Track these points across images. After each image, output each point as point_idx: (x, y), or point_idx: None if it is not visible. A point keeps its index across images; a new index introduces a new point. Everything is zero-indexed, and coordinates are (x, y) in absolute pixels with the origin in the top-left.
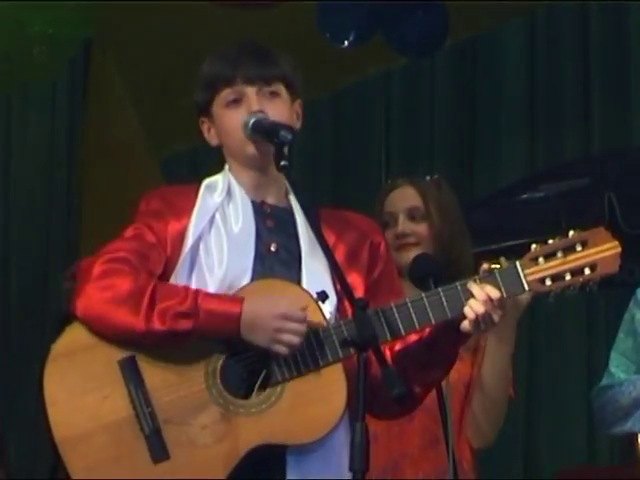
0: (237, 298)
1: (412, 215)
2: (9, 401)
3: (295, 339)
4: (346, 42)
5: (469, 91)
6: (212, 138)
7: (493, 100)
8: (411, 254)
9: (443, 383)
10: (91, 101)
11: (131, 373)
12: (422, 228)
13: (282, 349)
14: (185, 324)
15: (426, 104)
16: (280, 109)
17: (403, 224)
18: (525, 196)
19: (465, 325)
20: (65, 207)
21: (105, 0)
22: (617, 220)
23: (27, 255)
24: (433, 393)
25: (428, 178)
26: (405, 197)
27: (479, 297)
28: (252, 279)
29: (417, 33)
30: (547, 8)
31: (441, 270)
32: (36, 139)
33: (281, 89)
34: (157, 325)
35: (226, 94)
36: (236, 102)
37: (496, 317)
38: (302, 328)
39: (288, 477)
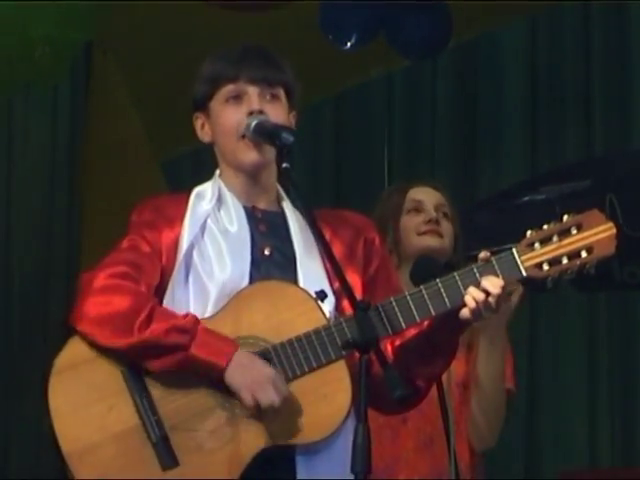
0: (232, 341)
1: (441, 211)
2: (11, 404)
3: (268, 399)
4: (348, 44)
5: (471, 92)
6: (205, 135)
7: (494, 101)
8: (434, 241)
9: (444, 381)
10: (92, 103)
11: (135, 382)
12: (449, 227)
13: (250, 400)
14: (179, 338)
15: (428, 106)
16: (279, 112)
17: (436, 214)
18: (526, 198)
19: (465, 312)
20: (67, 208)
21: (106, 1)
22: (618, 222)
23: (29, 256)
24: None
25: None
26: (433, 194)
27: (493, 291)
28: (249, 284)
29: (420, 35)
30: (548, 9)
31: (443, 271)
32: (37, 141)
33: (282, 94)
34: (148, 335)
35: (228, 90)
36: (236, 99)
37: (496, 305)
38: (277, 400)
39: (298, 477)
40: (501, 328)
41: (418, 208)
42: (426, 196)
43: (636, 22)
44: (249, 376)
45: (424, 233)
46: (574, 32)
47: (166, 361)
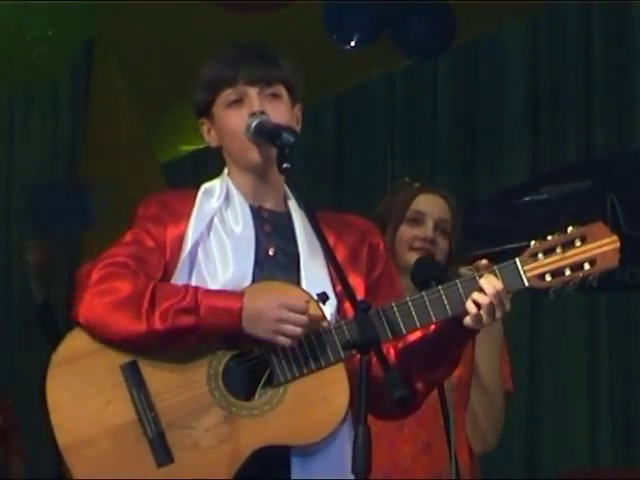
0: (237, 293)
1: (441, 227)
2: (11, 404)
3: (297, 330)
4: (353, 44)
5: (471, 92)
6: (212, 139)
7: (495, 101)
8: None
9: (445, 383)
10: (93, 103)
11: (133, 377)
12: (445, 244)
13: (284, 340)
14: (187, 320)
15: (428, 106)
16: (281, 111)
17: (434, 232)
18: (527, 198)
19: (467, 320)
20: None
21: (107, 0)
22: (619, 222)
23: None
24: None
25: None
26: (438, 205)
27: (488, 290)
28: (252, 284)
29: (424, 35)
30: (549, 9)
31: (444, 273)
32: (38, 141)
33: (282, 91)
34: (159, 324)
35: (227, 94)
36: (237, 103)
37: (498, 311)
38: (304, 319)
39: (292, 478)
40: (496, 329)
41: (418, 219)
42: (430, 208)
43: (637, 22)
44: (267, 319)
45: (416, 249)
46: (575, 32)
47: (183, 342)
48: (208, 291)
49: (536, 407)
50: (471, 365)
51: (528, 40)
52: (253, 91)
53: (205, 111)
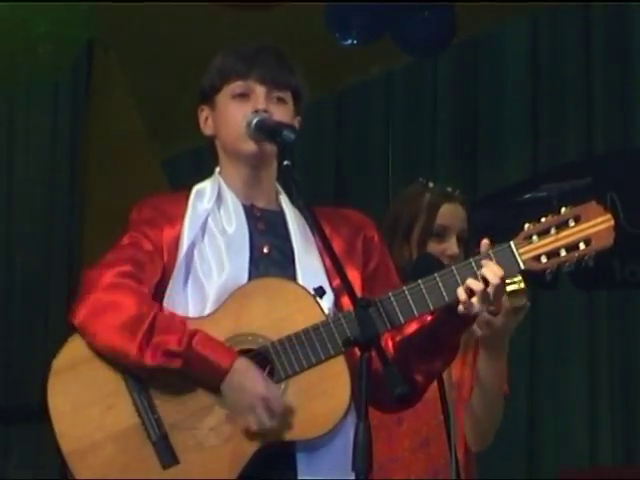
0: (231, 353)
1: (460, 238)
2: (11, 403)
3: (256, 424)
4: (354, 41)
5: (471, 91)
6: (207, 128)
7: (495, 100)
8: None
9: (445, 380)
10: (94, 101)
11: (134, 381)
12: (461, 253)
13: (252, 422)
14: (175, 363)
15: (428, 104)
16: (284, 115)
17: (457, 247)
18: (527, 196)
19: (460, 308)
20: (67, 206)
21: (108, 0)
22: (619, 220)
23: (30, 255)
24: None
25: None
26: (459, 217)
27: (492, 279)
28: (249, 281)
29: (424, 33)
30: (549, 8)
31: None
32: (39, 139)
33: (289, 98)
34: (148, 359)
35: (235, 86)
36: (243, 97)
37: (494, 297)
38: (269, 423)
39: (299, 474)
40: (502, 344)
41: (443, 235)
42: (453, 221)
43: (637, 21)
44: (242, 397)
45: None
46: (575, 31)
47: (166, 375)
48: (204, 339)
49: (536, 407)
50: (475, 365)
51: (528, 39)
52: (261, 90)
53: (209, 97)
